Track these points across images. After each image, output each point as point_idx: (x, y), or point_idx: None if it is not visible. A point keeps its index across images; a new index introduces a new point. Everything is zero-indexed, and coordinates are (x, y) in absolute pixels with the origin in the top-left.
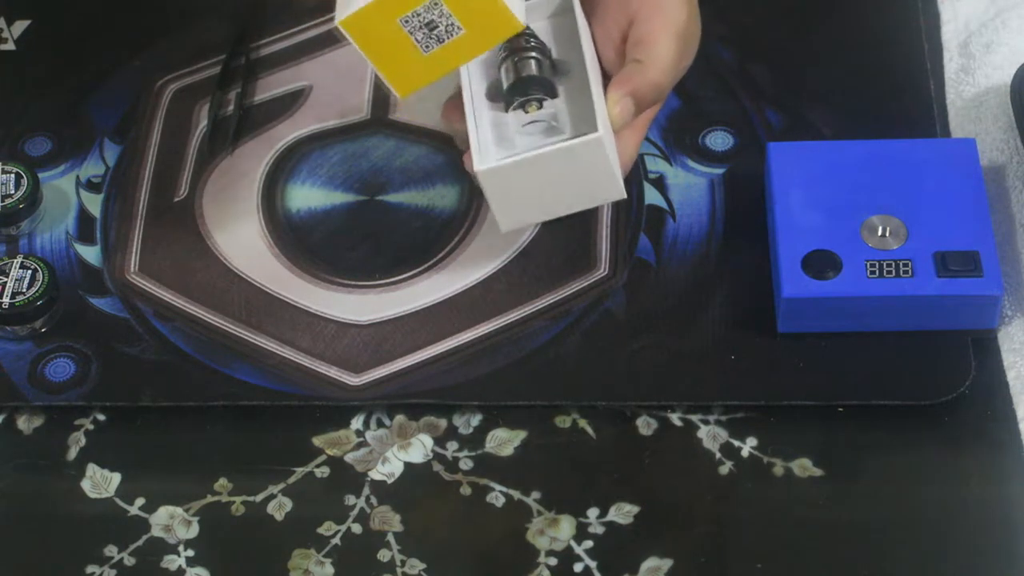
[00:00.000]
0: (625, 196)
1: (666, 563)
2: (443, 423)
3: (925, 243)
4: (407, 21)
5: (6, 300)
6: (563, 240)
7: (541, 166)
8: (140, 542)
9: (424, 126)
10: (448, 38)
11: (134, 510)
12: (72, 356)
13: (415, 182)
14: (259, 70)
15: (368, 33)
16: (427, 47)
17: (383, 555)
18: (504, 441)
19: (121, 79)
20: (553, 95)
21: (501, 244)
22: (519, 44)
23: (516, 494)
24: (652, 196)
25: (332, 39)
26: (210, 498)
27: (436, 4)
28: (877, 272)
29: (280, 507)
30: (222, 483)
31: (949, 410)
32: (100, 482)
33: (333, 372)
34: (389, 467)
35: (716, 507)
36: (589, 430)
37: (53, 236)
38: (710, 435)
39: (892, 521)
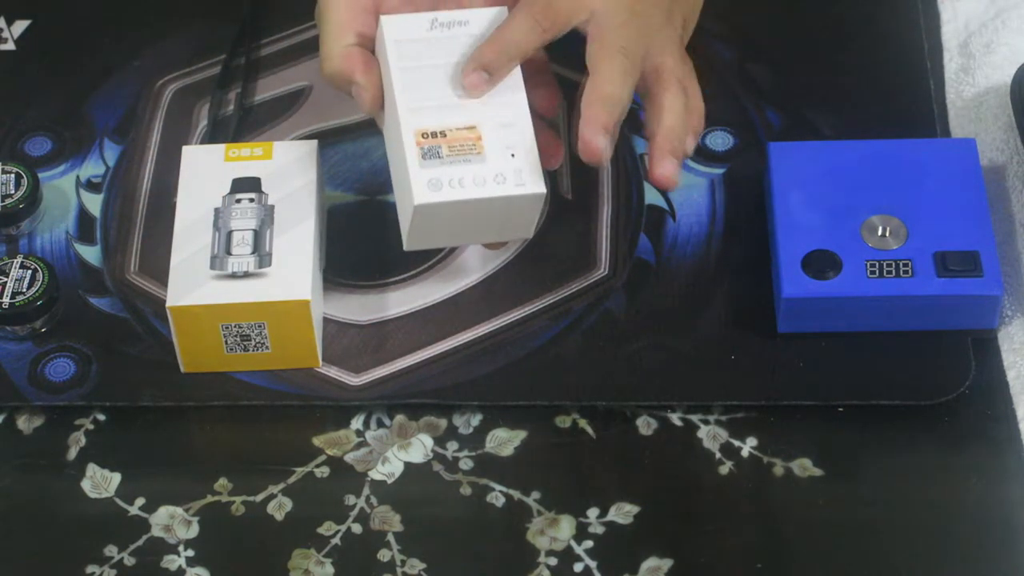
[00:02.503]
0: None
1: (666, 563)
2: (443, 423)
3: (925, 243)
4: (227, 327)
5: (6, 300)
6: (563, 240)
7: (476, 207)
8: (140, 542)
9: None
10: (254, 351)
11: (134, 510)
12: (72, 356)
13: None
14: (259, 70)
15: (189, 322)
16: (231, 349)
17: (383, 555)
18: (504, 441)
19: (121, 79)
20: None
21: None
22: None
23: (516, 494)
24: (652, 196)
25: None
26: (210, 498)
27: (260, 325)
28: (877, 272)
29: (280, 507)
30: (222, 483)
31: (949, 410)
32: (100, 482)
33: (333, 372)
34: (389, 467)
35: (716, 507)
36: (589, 430)
37: (53, 236)
38: (710, 435)
39: (892, 521)
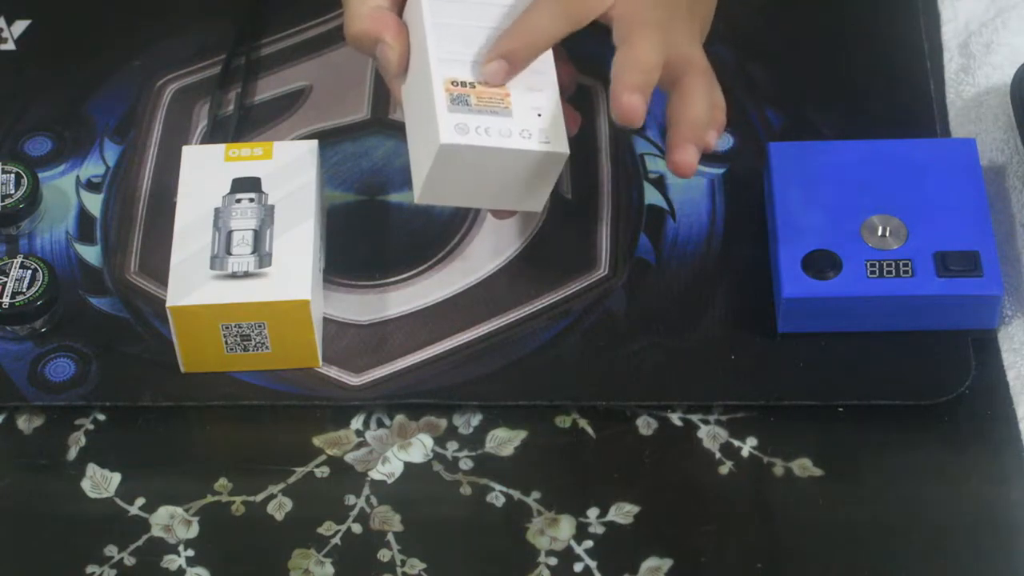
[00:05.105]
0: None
1: (666, 563)
2: (443, 423)
3: (925, 243)
4: (227, 327)
5: (6, 300)
6: (563, 240)
7: (499, 159)
8: (140, 542)
9: None
10: (254, 351)
11: (134, 510)
12: (72, 356)
13: None
14: (259, 70)
15: (189, 322)
16: (231, 349)
17: (383, 555)
18: (504, 441)
19: (121, 79)
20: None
21: (501, 244)
22: None
23: (516, 494)
24: (652, 196)
25: (332, 39)
26: (210, 498)
27: (260, 325)
28: (877, 272)
29: (280, 507)
30: (222, 483)
31: (949, 410)
32: (100, 482)
33: (333, 372)
34: (389, 467)
35: (716, 507)
36: (589, 430)
37: (53, 236)
38: (710, 435)
39: (892, 521)
